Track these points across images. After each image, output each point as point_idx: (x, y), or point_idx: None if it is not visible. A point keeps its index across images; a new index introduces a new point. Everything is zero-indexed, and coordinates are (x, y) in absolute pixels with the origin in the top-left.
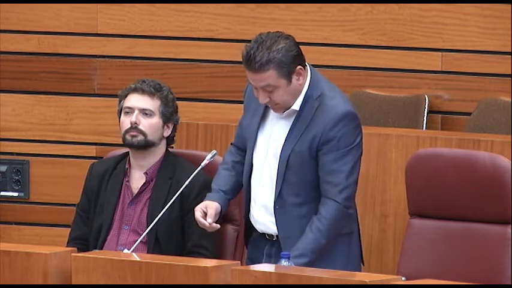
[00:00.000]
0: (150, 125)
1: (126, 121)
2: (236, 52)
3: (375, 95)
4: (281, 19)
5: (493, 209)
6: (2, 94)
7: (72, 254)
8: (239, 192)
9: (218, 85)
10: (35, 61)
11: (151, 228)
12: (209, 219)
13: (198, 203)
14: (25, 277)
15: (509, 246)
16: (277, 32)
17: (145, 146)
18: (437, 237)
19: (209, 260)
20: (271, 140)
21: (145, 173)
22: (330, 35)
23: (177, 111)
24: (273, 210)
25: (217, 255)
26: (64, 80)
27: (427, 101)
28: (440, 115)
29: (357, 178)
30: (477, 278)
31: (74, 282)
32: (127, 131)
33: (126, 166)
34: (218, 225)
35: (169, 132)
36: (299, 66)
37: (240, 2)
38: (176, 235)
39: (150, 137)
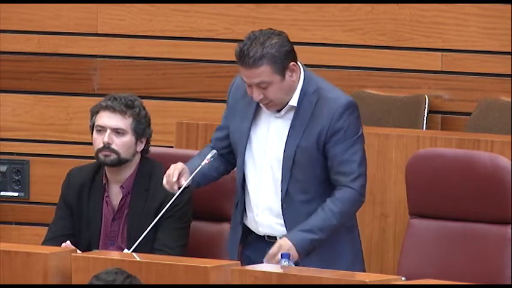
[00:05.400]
0: (122, 144)
1: (98, 139)
2: None
3: (375, 95)
4: (281, 19)
5: (493, 209)
6: (2, 94)
7: (72, 254)
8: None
9: (218, 85)
10: (35, 61)
11: (130, 238)
12: (174, 178)
13: (174, 211)
14: (25, 277)
15: (509, 246)
16: (270, 29)
17: (119, 163)
18: (437, 237)
19: (209, 260)
20: (268, 140)
21: (122, 187)
22: (330, 35)
23: (149, 125)
24: (280, 211)
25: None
26: (64, 80)
27: (427, 101)
28: (440, 115)
29: (366, 168)
30: (477, 278)
31: (74, 282)
32: (100, 150)
33: (104, 181)
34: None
35: (143, 147)
36: (292, 62)
37: (240, 2)
38: (152, 242)
39: (123, 155)
